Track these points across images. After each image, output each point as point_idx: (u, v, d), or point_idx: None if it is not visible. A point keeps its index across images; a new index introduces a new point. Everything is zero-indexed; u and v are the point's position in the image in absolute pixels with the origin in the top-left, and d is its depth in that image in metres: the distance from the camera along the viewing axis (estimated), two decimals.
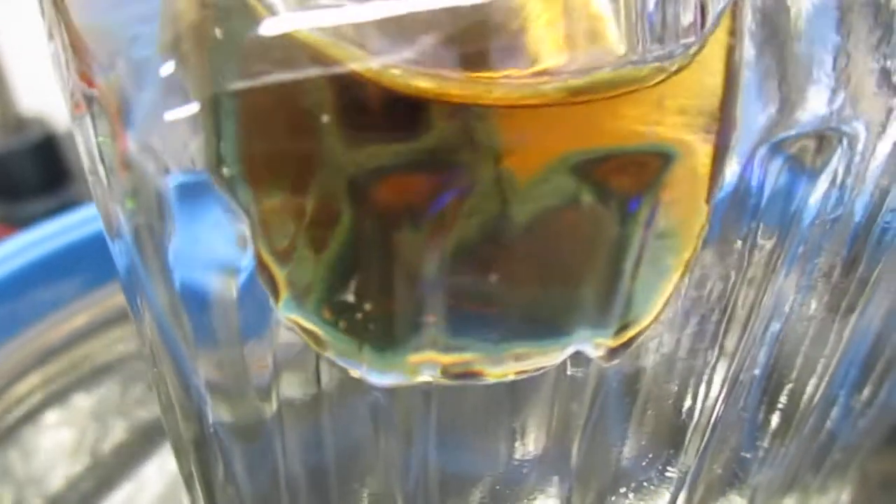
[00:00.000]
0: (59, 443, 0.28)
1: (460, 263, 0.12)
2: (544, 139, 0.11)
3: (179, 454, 0.15)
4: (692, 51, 0.11)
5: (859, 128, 0.12)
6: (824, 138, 0.12)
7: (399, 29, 0.11)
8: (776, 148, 0.12)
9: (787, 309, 0.15)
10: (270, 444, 0.14)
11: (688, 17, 0.11)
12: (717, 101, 0.12)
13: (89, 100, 0.11)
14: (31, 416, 0.28)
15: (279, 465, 0.14)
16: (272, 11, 0.11)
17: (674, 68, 0.11)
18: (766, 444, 0.17)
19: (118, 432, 0.28)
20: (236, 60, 0.11)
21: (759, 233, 0.13)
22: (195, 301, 0.12)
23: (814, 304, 0.15)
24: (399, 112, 0.11)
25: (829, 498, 0.20)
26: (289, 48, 0.10)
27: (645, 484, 0.17)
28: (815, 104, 0.12)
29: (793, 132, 0.12)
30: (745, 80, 0.12)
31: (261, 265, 0.12)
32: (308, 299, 0.12)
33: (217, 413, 0.13)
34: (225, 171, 0.11)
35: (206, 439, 0.14)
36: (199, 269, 0.12)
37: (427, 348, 0.12)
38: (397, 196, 0.11)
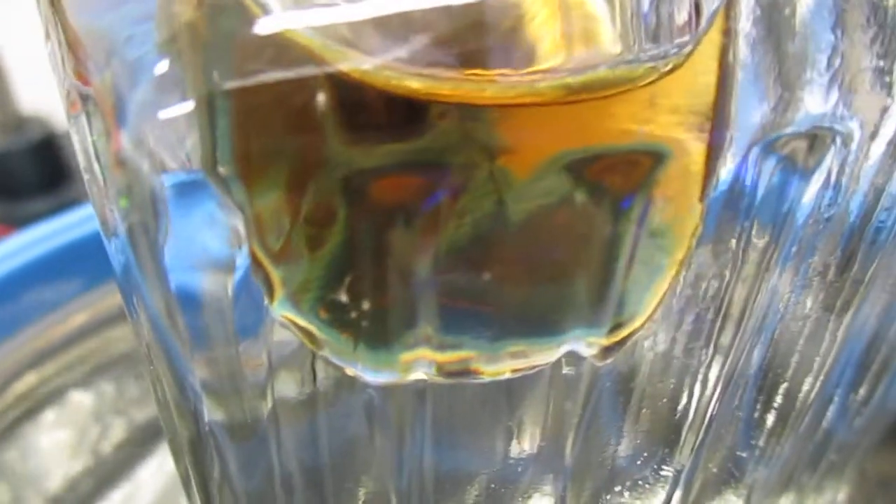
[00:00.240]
0: (57, 442, 0.28)
1: (454, 262, 0.12)
2: (537, 138, 0.11)
3: (176, 453, 0.15)
4: (686, 50, 0.11)
5: (854, 127, 0.12)
6: (817, 138, 0.12)
7: (393, 28, 0.11)
8: (770, 147, 0.12)
9: (781, 308, 0.15)
10: (266, 442, 0.14)
11: (682, 17, 0.11)
12: (711, 100, 0.12)
13: (85, 98, 0.11)
14: (30, 414, 0.28)
15: (275, 463, 0.14)
16: (266, 10, 0.11)
17: (667, 68, 0.11)
18: (761, 442, 0.17)
19: (117, 431, 0.28)
20: (231, 59, 0.11)
21: (754, 232, 0.13)
22: (190, 300, 0.12)
23: (809, 303, 0.15)
24: (393, 111, 0.11)
25: (826, 497, 0.20)
26: (283, 47, 0.11)
27: (640, 482, 0.17)
28: (810, 103, 0.12)
29: (787, 131, 0.12)
30: (739, 79, 0.12)
31: (255, 263, 0.12)
32: (303, 298, 0.12)
33: (212, 412, 0.13)
34: (220, 169, 0.11)
35: (202, 438, 0.14)
36: (193, 267, 0.12)
37: (420, 346, 0.12)
38: (391, 194, 0.11)
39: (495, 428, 0.15)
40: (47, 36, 0.12)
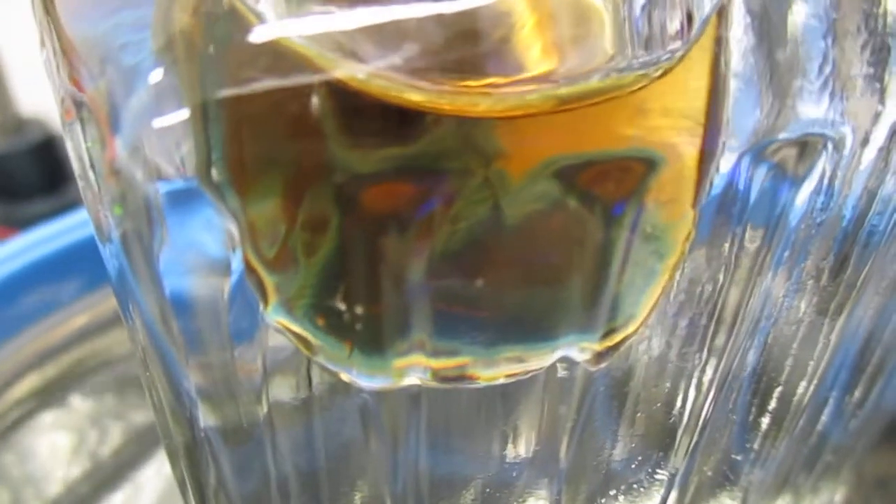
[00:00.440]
0: (56, 445, 0.28)
1: (447, 268, 0.12)
2: (530, 145, 0.11)
3: (172, 458, 0.15)
4: (677, 56, 0.11)
5: (846, 133, 0.12)
6: (809, 144, 0.12)
7: (387, 36, 0.11)
8: (762, 153, 0.12)
9: (775, 311, 0.15)
10: (261, 447, 0.14)
11: (674, 25, 0.11)
12: (702, 105, 0.12)
13: (79, 105, 0.11)
14: (29, 418, 0.28)
15: (270, 468, 0.14)
16: (261, 19, 0.11)
17: (658, 74, 0.11)
18: (756, 445, 0.17)
19: (116, 435, 0.28)
20: (226, 67, 0.11)
21: (746, 236, 0.13)
22: (185, 306, 0.12)
23: (803, 307, 0.15)
24: (388, 117, 0.11)
25: (822, 498, 0.20)
26: (277, 55, 0.11)
27: (635, 486, 0.17)
28: (802, 110, 0.12)
29: (780, 137, 0.12)
30: (732, 85, 0.12)
31: (249, 270, 0.12)
32: (297, 304, 0.12)
33: (208, 417, 0.13)
34: (214, 177, 0.11)
35: (198, 443, 0.14)
36: (188, 272, 0.12)
37: (414, 352, 0.12)
38: (385, 201, 0.11)
39: (490, 432, 0.15)
40: (42, 43, 0.12)
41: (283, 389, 0.14)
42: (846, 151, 0.13)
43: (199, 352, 0.13)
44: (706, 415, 0.16)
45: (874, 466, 0.24)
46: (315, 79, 0.10)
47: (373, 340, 0.12)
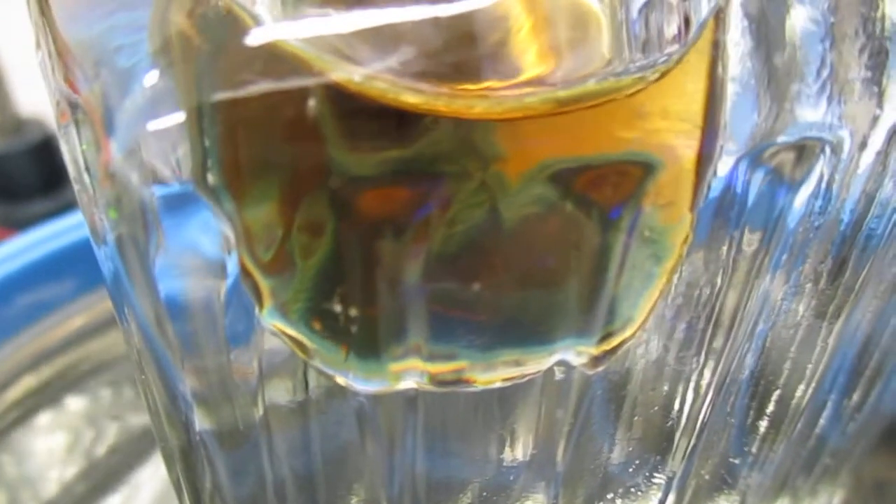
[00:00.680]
0: (52, 446, 0.28)
1: (444, 271, 0.12)
2: (527, 149, 0.11)
3: (168, 461, 0.15)
4: (674, 59, 0.11)
5: (844, 136, 0.12)
6: (806, 147, 0.12)
7: (383, 39, 0.11)
8: (760, 157, 0.12)
9: (773, 314, 0.15)
10: (257, 450, 0.14)
11: (672, 29, 0.11)
12: (700, 108, 0.12)
13: (74, 108, 0.11)
14: (25, 419, 0.28)
15: (266, 471, 0.14)
16: (258, 21, 0.11)
17: (655, 77, 0.11)
18: (754, 449, 0.17)
19: (112, 436, 0.28)
20: (222, 70, 0.11)
21: (744, 240, 0.13)
22: (180, 309, 0.12)
23: (801, 310, 0.15)
24: (383, 122, 0.11)
25: (820, 502, 0.20)
26: (274, 58, 0.11)
27: (632, 489, 0.17)
28: (800, 114, 0.12)
29: (777, 141, 0.12)
30: (729, 89, 0.12)
31: (245, 273, 0.12)
32: (292, 308, 0.12)
33: (203, 420, 0.13)
34: (210, 180, 0.11)
35: (193, 446, 0.14)
36: (183, 277, 0.12)
37: (410, 356, 0.12)
38: (381, 205, 0.11)
39: (487, 435, 0.15)
40: (38, 45, 0.12)
41: (279, 393, 0.14)
42: (844, 155, 0.13)
43: (194, 355, 0.13)
44: (704, 418, 0.16)
45: (872, 470, 0.24)
46: (311, 82, 0.10)
47: (369, 344, 0.12)
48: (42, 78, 0.13)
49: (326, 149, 0.11)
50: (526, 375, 0.13)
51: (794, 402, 0.17)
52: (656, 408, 0.15)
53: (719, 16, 0.11)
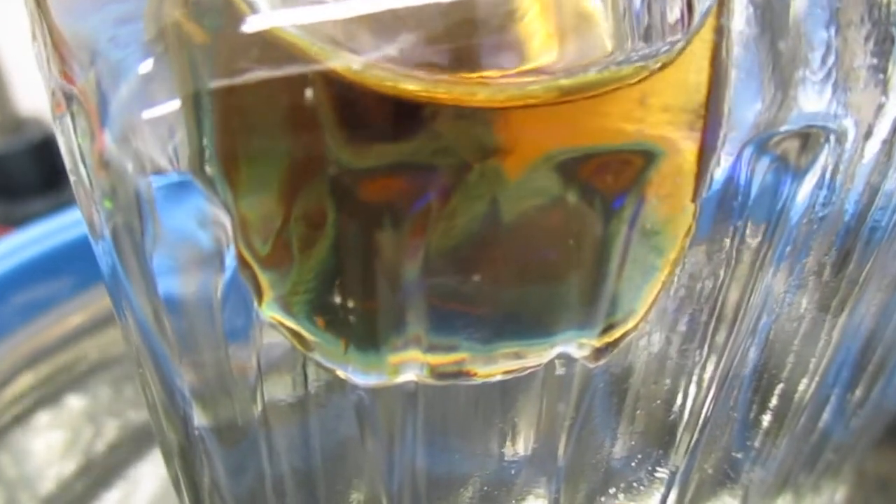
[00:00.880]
0: (51, 444, 0.28)
1: (444, 263, 0.12)
2: (528, 139, 0.11)
3: (167, 457, 0.15)
4: (677, 47, 0.11)
5: (848, 125, 0.12)
6: (811, 136, 0.12)
7: (382, 26, 0.11)
8: (764, 146, 0.12)
9: (776, 307, 0.15)
10: (256, 446, 0.14)
11: (674, 15, 0.11)
12: (703, 98, 0.11)
13: (69, 99, 0.11)
14: (24, 417, 0.28)
15: (265, 467, 0.14)
16: (254, 9, 0.11)
17: (657, 66, 0.11)
18: (757, 443, 0.17)
19: (111, 433, 0.28)
20: (218, 57, 0.11)
21: (747, 231, 0.13)
22: (177, 303, 0.12)
23: (804, 303, 0.15)
24: (384, 110, 0.11)
25: (823, 498, 0.20)
26: (270, 46, 0.10)
27: (635, 484, 0.16)
28: (804, 102, 0.12)
29: (781, 129, 0.12)
30: (732, 77, 0.12)
31: (243, 265, 0.12)
32: (291, 300, 0.12)
33: (201, 416, 0.13)
34: (207, 169, 0.11)
35: (191, 442, 0.14)
36: (180, 270, 0.12)
37: (410, 348, 0.12)
38: (380, 196, 0.11)
39: (488, 430, 0.15)
40: (34, 36, 0.12)
41: (278, 387, 0.13)
42: (849, 144, 0.13)
43: (192, 350, 0.13)
44: (707, 412, 0.15)
45: (876, 465, 0.24)
46: (309, 69, 0.10)
47: (368, 336, 0.12)
48: (39, 73, 0.13)
49: (324, 138, 0.11)
50: (527, 368, 0.13)
51: (797, 396, 0.17)
52: (659, 402, 0.15)
53: (723, 2, 0.11)
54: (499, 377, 0.13)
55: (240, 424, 0.14)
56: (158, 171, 0.11)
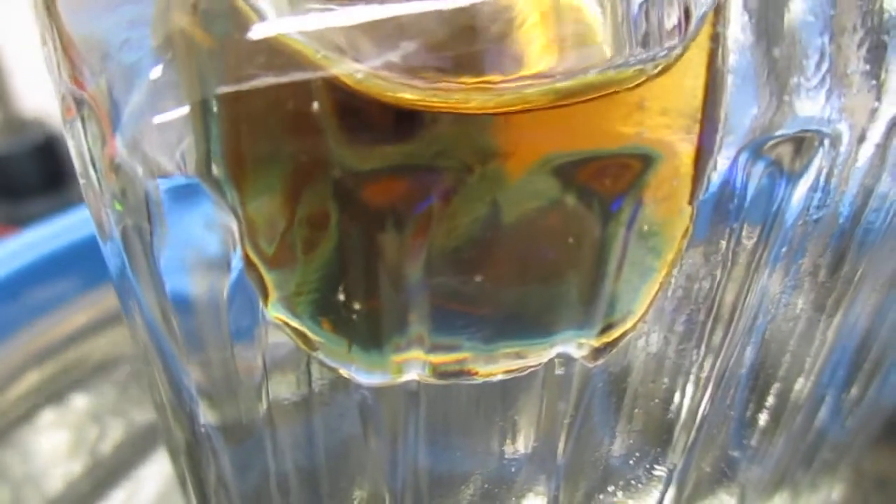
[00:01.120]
0: (56, 443, 0.28)
1: (445, 264, 0.12)
2: (528, 142, 0.11)
3: (173, 454, 0.15)
4: (675, 52, 0.11)
5: (842, 129, 0.13)
6: (805, 140, 0.12)
7: (385, 33, 0.11)
8: (759, 150, 0.12)
9: (772, 308, 0.15)
10: (261, 443, 0.14)
11: (672, 22, 0.11)
12: (699, 103, 0.12)
13: (80, 103, 0.12)
14: (29, 416, 0.28)
15: (270, 464, 0.14)
16: (261, 16, 0.11)
17: (655, 70, 0.11)
18: (754, 442, 0.17)
19: (116, 433, 0.28)
20: (225, 64, 0.11)
21: (744, 233, 0.13)
22: (185, 303, 0.12)
23: (800, 303, 0.15)
24: (385, 115, 0.11)
25: (820, 496, 0.20)
26: (276, 52, 0.11)
27: (633, 482, 0.17)
28: (799, 107, 0.12)
29: (777, 133, 0.12)
30: (729, 83, 0.12)
31: (249, 266, 0.12)
32: (296, 300, 0.12)
33: (208, 414, 0.13)
34: (214, 173, 0.11)
35: (198, 440, 0.14)
36: (188, 270, 0.12)
37: (412, 348, 0.12)
38: (383, 198, 0.11)
39: (489, 428, 0.15)
40: (43, 41, 0.12)
41: (282, 386, 0.14)
42: (843, 148, 0.13)
43: (199, 349, 0.13)
44: (704, 411, 0.16)
45: (872, 464, 0.24)
46: (313, 76, 0.11)
47: (372, 336, 0.12)
48: (46, 77, 0.13)
49: (328, 142, 0.11)
50: (527, 367, 0.13)
51: (793, 395, 0.17)
52: (657, 400, 0.15)
53: (719, 9, 0.11)
54: (499, 376, 0.13)
55: (245, 422, 0.14)
56: (167, 175, 0.11)
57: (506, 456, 0.16)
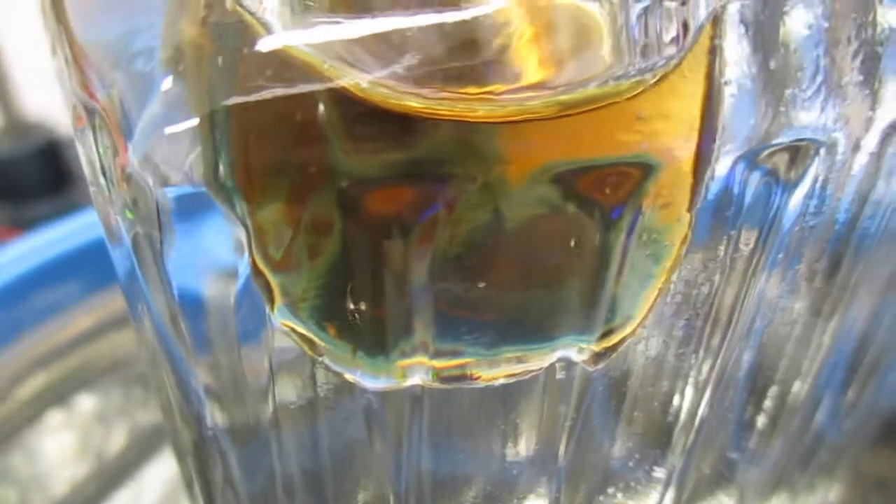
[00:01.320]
0: (62, 445, 0.28)
1: (449, 271, 0.12)
2: (530, 151, 0.11)
3: (179, 456, 0.15)
4: (673, 63, 0.12)
5: (838, 138, 0.13)
6: (801, 149, 0.13)
7: (389, 45, 0.11)
8: (757, 158, 0.13)
9: (770, 312, 0.15)
10: (267, 446, 0.14)
11: (670, 32, 0.12)
12: (698, 112, 0.12)
13: (91, 113, 0.12)
14: (35, 418, 0.28)
15: (276, 466, 0.15)
16: (268, 29, 0.11)
17: (654, 80, 0.11)
18: (752, 444, 0.17)
19: (121, 435, 0.29)
20: (233, 76, 0.11)
21: (741, 239, 0.14)
22: (193, 307, 0.12)
23: (797, 308, 0.15)
24: (389, 125, 0.11)
25: (818, 497, 0.20)
26: (284, 64, 0.11)
27: (633, 484, 0.17)
28: (796, 116, 0.12)
29: (774, 142, 0.12)
30: (727, 93, 0.12)
31: (256, 272, 0.12)
32: (302, 306, 0.12)
33: (215, 416, 0.14)
34: (222, 182, 0.11)
35: (205, 441, 0.14)
36: (197, 276, 0.12)
37: (417, 353, 0.13)
38: (387, 206, 0.11)
39: (491, 431, 0.15)
40: (53, 51, 0.13)
41: (288, 390, 0.14)
42: (838, 156, 0.13)
43: (206, 352, 0.13)
44: (703, 414, 0.16)
45: (870, 465, 0.25)
46: (320, 87, 0.11)
47: (376, 342, 0.13)
48: (49, 81, 0.13)
49: (334, 151, 0.11)
50: (529, 372, 0.14)
51: (790, 397, 0.17)
52: (656, 404, 0.16)
53: (716, 21, 0.12)
54: (501, 381, 0.14)
55: (252, 425, 0.14)
56: (177, 185, 0.11)
57: (507, 458, 0.16)
